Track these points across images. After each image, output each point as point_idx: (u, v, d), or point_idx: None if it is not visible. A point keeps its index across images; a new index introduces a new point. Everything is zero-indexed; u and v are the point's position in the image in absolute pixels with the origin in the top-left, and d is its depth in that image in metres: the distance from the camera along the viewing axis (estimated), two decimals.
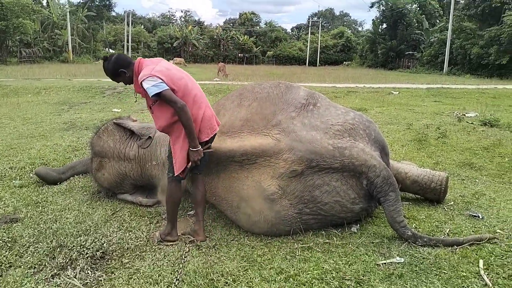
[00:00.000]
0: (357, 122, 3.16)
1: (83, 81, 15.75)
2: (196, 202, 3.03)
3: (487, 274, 2.48)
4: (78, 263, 2.60)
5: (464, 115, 8.87)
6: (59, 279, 2.45)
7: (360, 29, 73.64)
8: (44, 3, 40.18)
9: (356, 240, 2.94)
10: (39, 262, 2.61)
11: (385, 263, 2.62)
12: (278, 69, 32.75)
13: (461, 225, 3.22)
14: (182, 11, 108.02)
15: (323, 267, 2.57)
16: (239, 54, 52.84)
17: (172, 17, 70.02)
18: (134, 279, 2.46)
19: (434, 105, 11.25)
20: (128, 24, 44.42)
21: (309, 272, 2.52)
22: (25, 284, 2.39)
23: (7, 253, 2.72)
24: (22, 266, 2.57)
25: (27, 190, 4.01)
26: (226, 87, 13.93)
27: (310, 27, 55.61)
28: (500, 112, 9.54)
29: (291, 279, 2.45)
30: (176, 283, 2.40)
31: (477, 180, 4.52)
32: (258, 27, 59.20)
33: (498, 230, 3.10)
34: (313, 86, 14.51)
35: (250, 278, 2.47)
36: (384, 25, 42.24)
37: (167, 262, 2.66)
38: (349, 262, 2.64)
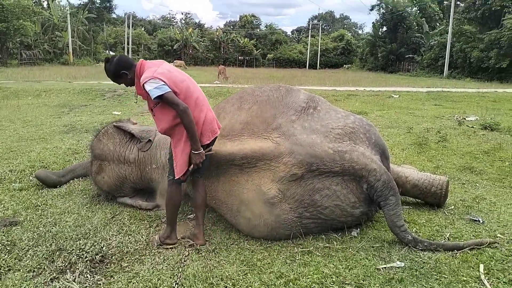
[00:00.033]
0: (357, 125, 3.15)
1: (83, 84, 15.78)
2: (196, 206, 3.02)
3: (488, 279, 2.48)
4: (77, 267, 2.60)
5: (465, 119, 8.85)
6: (58, 282, 2.44)
7: (360, 32, 73.91)
8: (45, 5, 40.35)
9: (356, 244, 2.94)
10: (38, 266, 2.61)
11: (385, 268, 2.62)
12: (278, 72, 32.81)
13: (461, 230, 3.21)
14: (182, 14, 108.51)
15: (323, 272, 2.57)
16: (239, 57, 52.85)
17: (173, 19, 70.47)
18: (133, 283, 2.45)
19: (434, 108, 11.25)
20: (128, 26, 44.53)
21: (309, 277, 2.51)
22: (24, 287, 2.38)
23: (6, 256, 2.71)
24: (21, 270, 2.56)
25: (27, 193, 4.00)
26: (226, 90, 13.93)
27: (310, 30, 55.78)
28: (501, 116, 9.54)
29: (291, 283, 2.45)
30: (176, 287, 2.39)
31: (477, 184, 4.51)
32: (258, 30, 59.35)
33: (498, 235, 3.10)
34: (313, 89, 14.54)
35: (250, 282, 2.46)
36: (384, 28, 42.28)
37: (166, 266, 2.65)
38: (349, 267, 2.64)
